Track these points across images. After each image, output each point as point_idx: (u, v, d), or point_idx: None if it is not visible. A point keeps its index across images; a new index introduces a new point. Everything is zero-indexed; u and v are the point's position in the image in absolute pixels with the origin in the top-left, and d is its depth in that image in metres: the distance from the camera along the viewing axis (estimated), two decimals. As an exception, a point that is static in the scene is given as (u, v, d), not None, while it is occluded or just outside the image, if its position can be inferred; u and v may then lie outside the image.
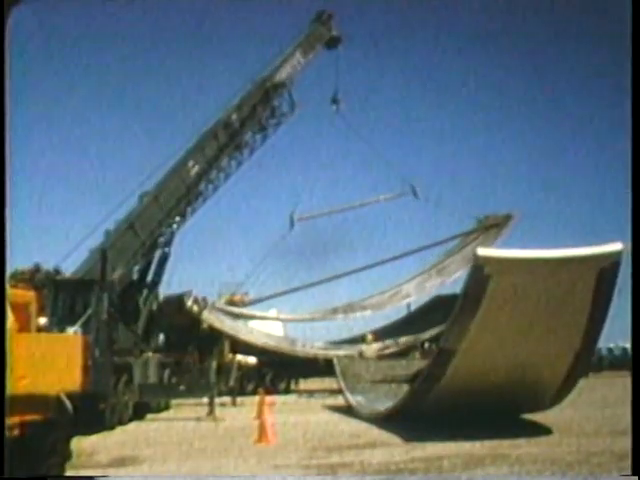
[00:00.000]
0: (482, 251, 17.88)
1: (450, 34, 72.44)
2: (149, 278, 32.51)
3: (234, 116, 35.79)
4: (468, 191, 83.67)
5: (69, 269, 29.85)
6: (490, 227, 46.59)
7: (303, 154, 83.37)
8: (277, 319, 44.63)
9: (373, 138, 47.78)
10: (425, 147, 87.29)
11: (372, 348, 40.96)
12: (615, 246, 17.12)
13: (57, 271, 28.37)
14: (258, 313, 44.24)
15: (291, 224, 45.21)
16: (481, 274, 17.19)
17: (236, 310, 42.74)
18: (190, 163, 34.06)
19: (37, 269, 27.25)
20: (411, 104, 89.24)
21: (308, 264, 53.87)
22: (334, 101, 42.40)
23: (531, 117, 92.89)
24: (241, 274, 44.71)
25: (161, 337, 33.20)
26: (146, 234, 31.87)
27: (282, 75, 37.15)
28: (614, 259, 17.02)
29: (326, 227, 50.51)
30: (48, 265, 28.38)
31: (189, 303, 37.98)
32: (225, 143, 35.16)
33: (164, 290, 33.95)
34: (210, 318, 39.37)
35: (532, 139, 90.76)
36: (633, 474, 10.52)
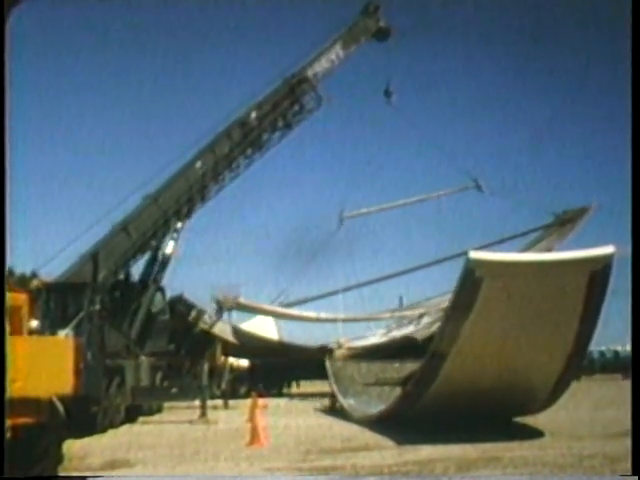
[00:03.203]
0: (473, 254, 17.84)
1: (511, 22, 70.77)
2: (149, 280, 32.40)
3: (253, 114, 35.37)
4: (532, 184, 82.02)
5: (57, 272, 29.84)
6: (566, 221, 44.90)
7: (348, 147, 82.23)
8: (317, 319, 43.89)
9: (429, 131, 45.88)
10: (485, 141, 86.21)
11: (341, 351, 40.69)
12: (606, 249, 17.16)
13: (34, 274, 28.20)
14: (295, 312, 43.78)
15: (340, 222, 44.35)
16: (473, 277, 17.20)
17: (267, 307, 42.34)
18: (198, 164, 33.80)
19: (10, 273, 27.11)
20: (468, 96, 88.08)
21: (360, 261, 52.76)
22: (387, 93, 40.47)
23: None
24: (237, 276, 44.59)
25: (154, 340, 33.12)
26: (138, 235, 31.84)
27: (315, 70, 36.36)
28: (605, 262, 17.06)
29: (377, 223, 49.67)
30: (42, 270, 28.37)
31: (179, 307, 38.00)
32: (238, 142, 34.77)
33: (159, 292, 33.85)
34: (202, 321, 39.42)
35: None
36: (633, 474, 10.55)
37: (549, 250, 39.73)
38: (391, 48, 39.23)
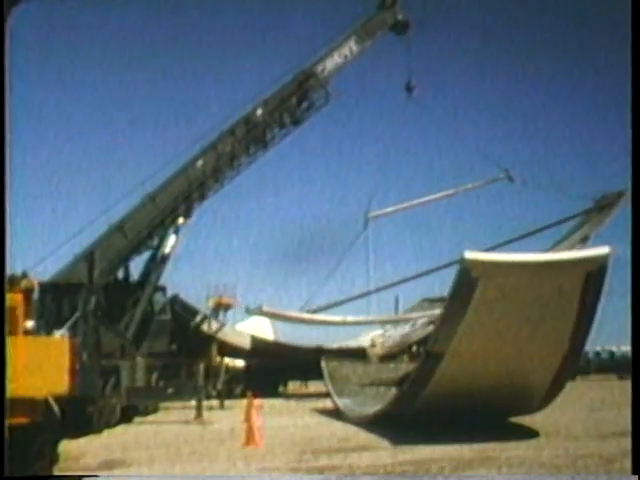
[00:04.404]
0: (469, 254, 17.83)
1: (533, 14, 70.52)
2: (146, 280, 32.34)
3: (259, 111, 35.07)
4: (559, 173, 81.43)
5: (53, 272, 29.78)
6: (604, 207, 43.21)
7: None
8: (344, 323, 42.84)
9: (454, 124, 44.98)
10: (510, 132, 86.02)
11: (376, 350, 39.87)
12: (602, 250, 17.18)
13: (24, 275, 28.12)
14: (321, 317, 42.85)
15: (365, 223, 43.30)
16: (468, 277, 17.20)
17: (294, 314, 41.80)
18: (199, 162, 33.62)
19: None
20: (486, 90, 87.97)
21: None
22: (408, 88, 39.94)
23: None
24: (232, 277, 44.28)
25: (155, 339, 33.07)
26: (134, 235, 31.81)
27: (327, 65, 36.06)
28: (601, 263, 17.07)
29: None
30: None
31: (175, 307, 37.97)
32: (241, 139, 34.54)
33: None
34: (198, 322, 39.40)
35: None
36: (633, 474, 10.56)
37: (587, 238, 39.00)
38: (412, 41, 38.96)
